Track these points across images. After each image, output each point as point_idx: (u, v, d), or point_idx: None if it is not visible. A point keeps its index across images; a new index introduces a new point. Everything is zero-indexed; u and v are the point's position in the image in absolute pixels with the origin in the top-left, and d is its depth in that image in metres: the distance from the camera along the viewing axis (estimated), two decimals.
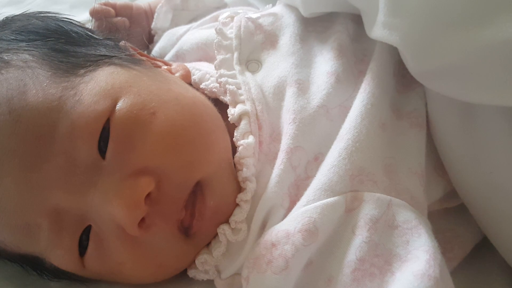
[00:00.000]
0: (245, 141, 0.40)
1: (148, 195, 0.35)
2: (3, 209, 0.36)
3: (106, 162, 0.36)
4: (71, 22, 0.46)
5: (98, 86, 0.37)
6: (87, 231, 0.37)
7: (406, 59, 0.37)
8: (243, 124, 0.41)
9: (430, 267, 0.33)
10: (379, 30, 0.37)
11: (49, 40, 0.40)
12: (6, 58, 0.38)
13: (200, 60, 0.52)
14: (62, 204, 0.36)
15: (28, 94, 0.36)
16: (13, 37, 0.41)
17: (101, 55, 0.41)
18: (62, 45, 0.41)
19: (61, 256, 0.37)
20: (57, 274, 0.41)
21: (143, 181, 0.35)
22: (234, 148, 0.41)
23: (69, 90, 0.36)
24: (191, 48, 0.53)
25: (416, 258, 0.34)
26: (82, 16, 0.69)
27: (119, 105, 0.36)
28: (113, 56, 0.41)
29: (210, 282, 0.42)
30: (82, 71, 0.38)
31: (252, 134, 0.40)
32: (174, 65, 0.47)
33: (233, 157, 0.41)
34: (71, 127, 0.35)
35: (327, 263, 0.36)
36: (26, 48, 0.39)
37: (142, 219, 0.36)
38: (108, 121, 0.36)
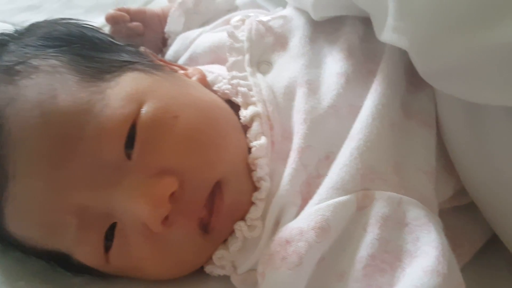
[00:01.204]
0: (257, 142, 0.41)
1: (172, 194, 0.37)
2: (32, 207, 0.38)
3: (132, 162, 0.38)
4: (93, 28, 0.48)
5: (124, 91, 0.39)
6: (112, 228, 0.39)
7: (414, 60, 0.38)
8: (255, 126, 0.42)
9: (439, 263, 0.34)
10: (388, 34, 0.38)
11: (74, 46, 0.42)
12: (35, 63, 0.40)
13: (212, 62, 0.53)
14: (89, 202, 0.38)
15: (58, 98, 0.37)
16: (40, 43, 0.42)
17: (125, 61, 0.43)
18: (87, 51, 0.42)
19: (87, 252, 0.39)
20: (81, 269, 0.42)
21: (167, 181, 0.37)
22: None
23: (97, 94, 0.38)
24: (204, 51, 0.54)
25: (425, 254, 0.35)
26: (96, 21, 0.70)
27: (144, 109, 0.38)
28: (135, 62, 0.43)
29: (225, 279, 0.43)
30: (108, 76, 0.40)
31: (264, 135, 0.42)
32: (190, 69, 0.49)
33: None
34: (99, 129, 0.37)
35: (339, 259, 0.37)
36: (53, 54, 0.41)
37: (165, 217, 0.37)
38: (133, 124, 0.38)
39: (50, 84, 0.38)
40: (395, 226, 0.37)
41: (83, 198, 0.37)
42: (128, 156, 0.38)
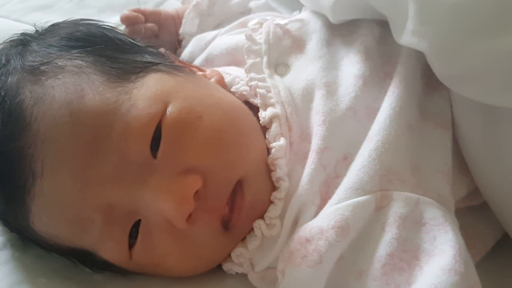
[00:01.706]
0: (277, 143, 0.42)
1: (196, 192, 0.38)
2: (60, 205, 0.38)
3: (157, 161, 0.39)
4: (113, 29, 0.49)
5: (149, 91, 0.40)
6: (136, 225, 0.40)
7: (433, 63, 0.39)
8: (274, 127, 0.43)
9: (456, 262, 0.35)
10: (408, 37, 0.39)
11: (98, 47, 0.43)
12: (60, 64, 0.41)
13: (229, 64, 0.54)
14: (116, 199, 0.38)
15: (86, 98, 0.38)
16: (63, 43, 0.43)
17: (148, 62, 0.44)
18: (110, 52, 0.43)
19: (112, 248, 0.40)
20: (102, 266, 0.43)
21: (192, 179, 0.38)
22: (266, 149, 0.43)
23: (123, 94, 0.39)
24: (221, 53, 0.55)
25: (442, 253, 0.36)
26: (110, 21, 0.71)
27: (169, 109, 0.39)
28: (158, 63, 0.44)
29: (242, 277, 0.44)
30: (133, 77, 0.41)
31: (283, 136, 0.43)
32: (208, 71, 0.50)
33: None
34: (127, 128, 0.38)
35: (357, 258, 0.38)
36: (78, 55, 0.42)
37: (189, 214, 0.38)
38: (159, 124, 0.39)
39: (77, 84, 0.39)
40: (412, 225, 0.38)
41: (110, 196, 0.38)
42: (154, 155, 0.39)
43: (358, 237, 0.39)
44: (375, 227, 0.39)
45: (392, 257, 0.37)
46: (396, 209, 0.38)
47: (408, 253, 0.37)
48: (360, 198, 0.39)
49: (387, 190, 0.39)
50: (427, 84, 0.45)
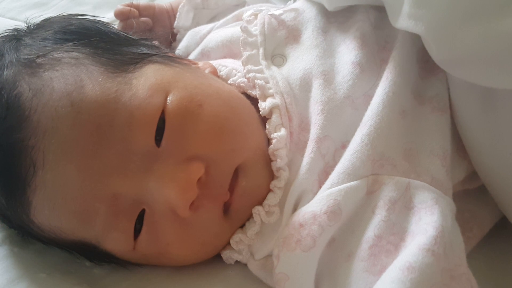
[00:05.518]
0: (277, 133, 0.42)
1: (198, 179, 0.38)
2: (64, 196, 0.38)
3: (161, 150, 0.39)
4: (106, 24, 0.48)
5: (149, 81, 0.40)
6: (140, 215, 0.40)
7: (430, 47, 0.39)
8: (274, 117, 0.43)
9: (435, 243, 0.35)
10: (404, 20, 0.39)
11: (93, 40, 0.43)
12: (57, 56, 0.41)
13: (225, 57, 0.54)
14: (120, 189, 0.38)
15: (86, 88, 0.38)
16: (58, 37, 0.43)
17: (144, 53, 0.44)
18: (106, 44, 0.43)
19: (117, 238, 0.40)
20: (104, 258, 0.43)
21: (195, 167, 0.38)
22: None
23: (123, 84, 0.39)
24: (216, 46, 0.55)
25: (424, 232, 0.36)
26: (105, 17, 0.71)
27: (170, 98, 0.40)
28: (154, 55, 0.44)
29: (242, 267, 0.44)
30: (131, 67, 0.41)
31: (283, 127, 0.43)
32: (200, 64, 0.50)
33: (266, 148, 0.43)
34: (130, 118, 0.38)
35: (348, 240, 0.39)
36: (74, 47, 0.42)
37: (192, 202, 0.38)
38: (162, 113, 0.39)
39: (76, 75, 0.39)
40: (402, 209, 0.38)
41: (116, 186, 0.38)
42: (158, 144, 0.39)
43: (349, 220, 0.39)
44: (366, 211, 0.39)
45: (380, 239, 0.37)
46: (387, 193, 0.39)
47: (396, 236, 0.37)
48: (352, 183, 0.39)
49: (378, 174, 0.39)
50: (424, 68, 0.45)
